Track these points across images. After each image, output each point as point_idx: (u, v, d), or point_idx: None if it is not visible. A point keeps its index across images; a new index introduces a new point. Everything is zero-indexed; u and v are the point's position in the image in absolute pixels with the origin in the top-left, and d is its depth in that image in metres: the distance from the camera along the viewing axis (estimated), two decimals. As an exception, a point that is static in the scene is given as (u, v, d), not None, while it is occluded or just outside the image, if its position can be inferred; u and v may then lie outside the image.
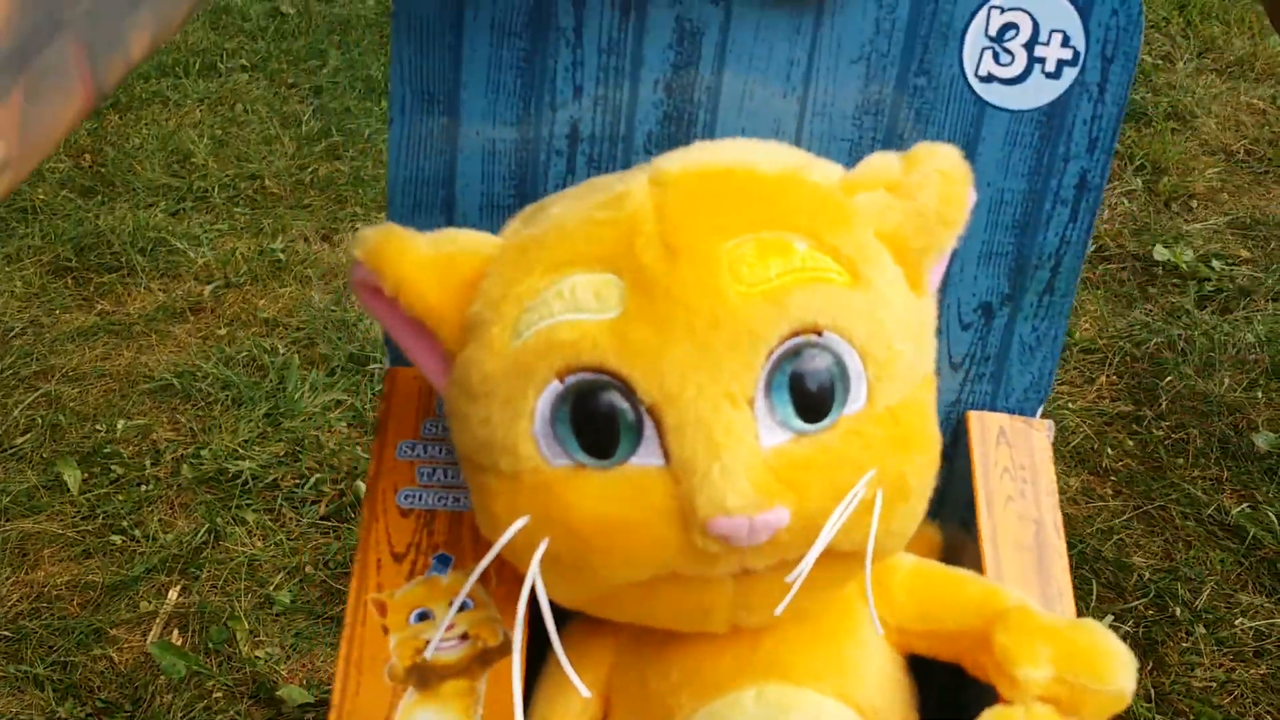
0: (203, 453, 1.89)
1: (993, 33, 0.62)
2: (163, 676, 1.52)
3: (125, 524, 1.77)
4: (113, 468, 1.87)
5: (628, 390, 0.54)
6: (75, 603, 1.65)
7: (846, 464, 0.55)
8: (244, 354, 2.11)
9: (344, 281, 2.28)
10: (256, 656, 1.55)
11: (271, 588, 1.67)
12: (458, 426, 0.60)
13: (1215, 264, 2.27)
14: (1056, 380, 2.05)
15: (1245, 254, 2.32)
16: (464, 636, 0.61)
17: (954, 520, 0.70)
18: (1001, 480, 0.69)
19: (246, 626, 1.60)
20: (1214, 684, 1.46)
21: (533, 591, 0.57)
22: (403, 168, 0.65)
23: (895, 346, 0.57)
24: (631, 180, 0.59)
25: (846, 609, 0.65)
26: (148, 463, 1.88)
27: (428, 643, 0.60)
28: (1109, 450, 1.88)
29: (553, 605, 0.58)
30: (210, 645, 1.58)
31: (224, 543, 1.74)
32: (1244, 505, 1.74)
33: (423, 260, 0.58)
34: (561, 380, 0.55)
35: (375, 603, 0.61)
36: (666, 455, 0.54)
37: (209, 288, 2.27)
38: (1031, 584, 0.64)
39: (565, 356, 0.55)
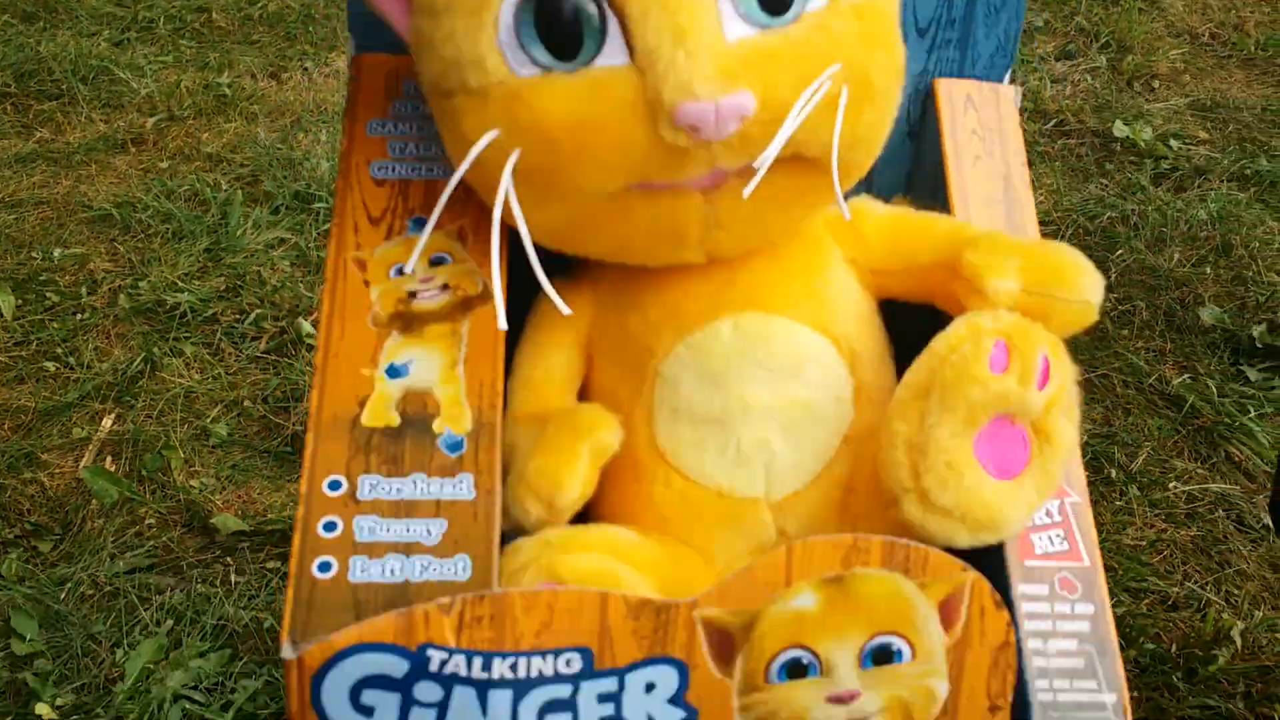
0: (141, 284, 1.85)
1: None
2: (94, 501, 1.50)
3: (59, 351, 1.74)
4: (48, 295, 1.83)
5: None
6: (6, 426, 1.62)
7: (811, 54, 0.56)
8: (186, 188, 2.06)
9: (291, 120, 2.23)
10: (191, 486, 1.54)
11: (208, 420, 1.64)
12: (424, 55, 0.60)
13: (1173, 143, 2.26)
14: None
15: (1203, 135, 2.31)
16: (444, 287, 0.62)
17: (925, 192, 0.71)
18: (969, 141, 0.70)
19: (181, 456, 1.58)
20: (1144, 543, 1.48)
21: (512, 249, 0.58)
22: None
23: None
24: None
25: (820, 246, 0.67)
26: (84, 291, 1.84)
27: (411, 294, 0.61)
28: (1056, 320, 1.88)
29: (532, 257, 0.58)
30: (144, 473, 1.56)
31: (160, 373, 1.71)
32: (1185, 376, 1.75)
33: None
34: None
35: (355, 260, 0.63)
36: (631, 50, 0.55)
37: (152, 120, 2.21)
38: None
39: None
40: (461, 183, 0.60)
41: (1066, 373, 0.58)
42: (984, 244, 0.62)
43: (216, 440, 1.62)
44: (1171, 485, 1.56)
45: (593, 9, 0.54)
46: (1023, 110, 2.42)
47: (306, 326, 1.79)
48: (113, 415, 1.65)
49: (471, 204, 0.61)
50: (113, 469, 1.56)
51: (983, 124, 0.70)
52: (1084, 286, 0.60)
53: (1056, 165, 2.22)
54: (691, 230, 0.60)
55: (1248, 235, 2.01)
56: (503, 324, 0.59)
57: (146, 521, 1.49)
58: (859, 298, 0.67)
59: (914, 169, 0.75)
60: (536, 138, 0.56)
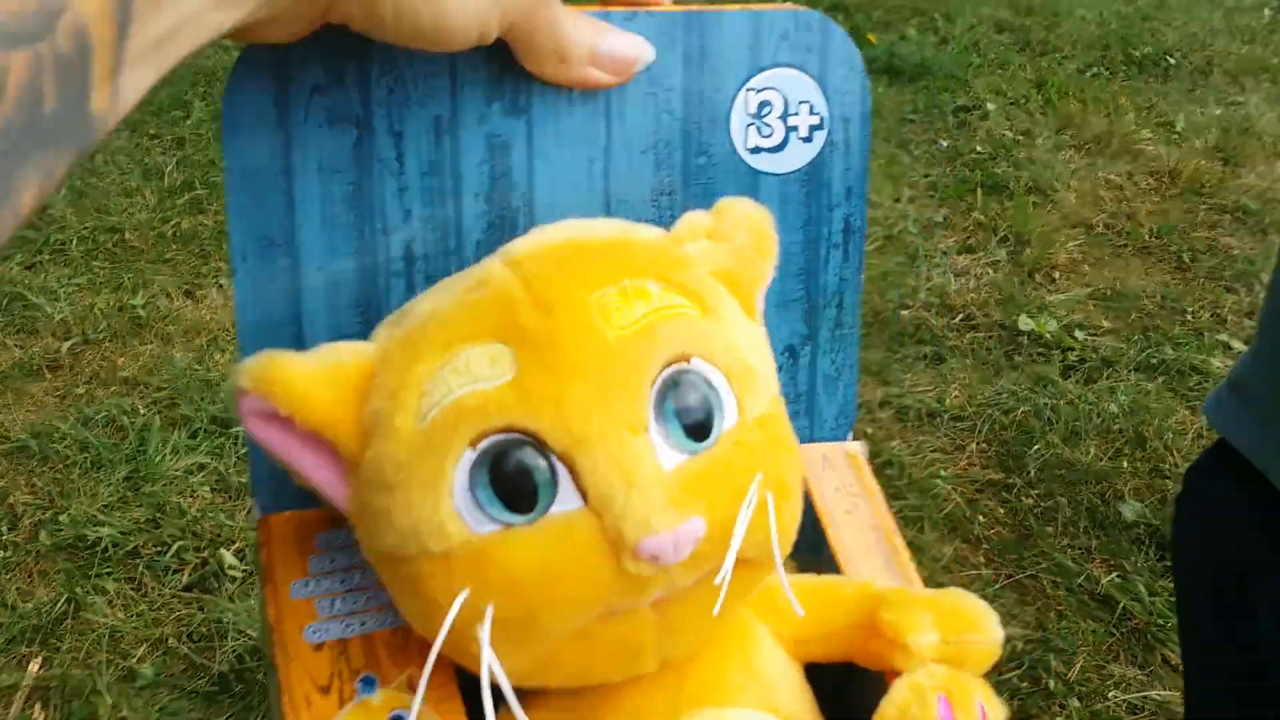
0: (61, 518, 1.81)
1: (752, 111, 0.72)
2: (17, 757, 1.45)
3: (-22, 594, 1.69)
4: (-37, 534, 1.78)
5: (538, 443, 0.58)
6: (-79, 679, 1.56)
7: (737, 470, 0.61)
8: (103, 414, 2.03)
9: (207, 339, 2.22)
10: (118, 735, 1.49)
11: (134, 660, 1.60)
12: (375, 525, 0.61)
13: (1078, 334, 2.34)
14: (928, 447, 2.09)
15: (1107, 324, 2.40)
16: None
17: (806, 550, 0.77)
18: (836, 498, 0.77)
19: (109, 701, 1.53)
20: (1092, 755, 1.49)
21: (474, 679, 0.57)
22: (250, 314, 0.68)
23: (749, 363, 0.64)
24: (486, 266, 0.64)
25: (749, 628, 0.71)
26: (4, 528, 1.79)
27: None
28: (980, 518, 1.91)
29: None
30: (70, 722, 1.50)
31: (84, 613, 1.66)
32: (1113, 575, 1.78)
33: (311, 373, 0.62)
34: (474, 447, 0.58)
35: None
36: (584, 495, 0.58)
37: (66, 344, 2.19)
38: (886, 583, 0.71)
39: (474, 424, 0.58)
40: (396, 633, 0.60)
41: (999, 714, 0.62)
42: (895, 601, 0.67)
43: (143, 681, 1.57)
44: (1111, 694, 1.58)
45: (543, 463, 0.58)
46: (929, 305, 2.50)
47: (229, 558, 1.75)
48: (39, 659, 1.59)
49: (412, 650, 0.61)
50: (41, 717, 1.50)
51: (842, 481, 0.77)
52: (990, 626, 0.64)
53: (967, 360, 2.28)
54: (647, 643, 0.63)
55: (1160, 426, 2.08)
56: None
57: (72, 777, 1.43)
58: (791, 670, 0.70)
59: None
60: (508, 591, 0.58)
